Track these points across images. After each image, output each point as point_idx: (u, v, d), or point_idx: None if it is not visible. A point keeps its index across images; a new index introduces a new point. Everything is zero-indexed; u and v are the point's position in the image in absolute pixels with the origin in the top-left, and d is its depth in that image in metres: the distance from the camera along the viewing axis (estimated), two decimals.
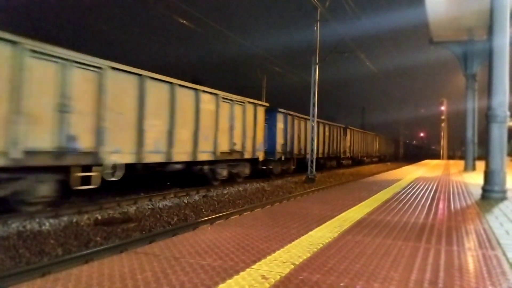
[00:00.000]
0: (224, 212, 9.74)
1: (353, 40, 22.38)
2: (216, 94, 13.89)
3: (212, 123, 13.68)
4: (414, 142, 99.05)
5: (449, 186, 8.88)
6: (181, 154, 12.08)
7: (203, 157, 13.09)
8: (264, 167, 18.05)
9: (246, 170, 16.50)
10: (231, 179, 15.53)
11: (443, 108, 41.69)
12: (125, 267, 2.57)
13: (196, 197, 11.82)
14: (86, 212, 8.81)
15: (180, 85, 12.10)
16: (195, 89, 12.86)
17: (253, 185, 15.61)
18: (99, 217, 8.46)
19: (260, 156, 16.97)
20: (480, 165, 11.22)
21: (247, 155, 15.82)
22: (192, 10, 16.24)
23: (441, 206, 5.68)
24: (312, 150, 19.62)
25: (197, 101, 12.87)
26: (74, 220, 8.07)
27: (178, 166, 12.25)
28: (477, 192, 7.01)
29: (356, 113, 61.58)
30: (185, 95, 12.33)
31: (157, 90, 11.18)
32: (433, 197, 6.66)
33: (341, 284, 2.32)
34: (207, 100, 13.42)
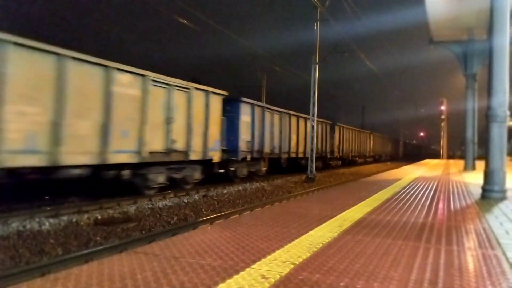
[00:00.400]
0: (224, 211, 9.73)
1: (353, 39, 22.42)
2: (142, 75, 10.46)
3: (136, 114, 10.34)
4: (414, 141, 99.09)
5: (449, 185, 8.88)
6: (79, 154, 8.77)
7: (119, 158, 9.78)
8: (222, 170, 14.78)
9: (196, 174, 13.17)
10: (175, 186, 12.43)
11: (443, 107, 41.73)
12: (125, 266, 2.57)
13: (196, 197, 11.82)
14: (86, 212, 8.80)
15: (75, 59, 8.69)
16: (105, 66, 9.43)
17: (253, 185, 15.60)
18: (99, 217, 8.45)
19: (216, 156, 13.65)
20: (480, 164, 11.23)
21: (194, 156, 12.50)
22: (192, 10, 16.24)
23: (441, 205, 5.68)
24: (312, 150, 19.57)
25: (108, 83, 9.48)
26: (74, 219, 8.06)
27: (76, 171, 8.94)
28: (477, 191, 7.02)
29: (356, 112, 61.57)
30: (85, 74, 8.98)
31: (30, 63, 7.94)
32: (433, 197, 6.66)
33: (341, 283, 2.32)
34: (126, 83, 10.02)
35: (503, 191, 6.36)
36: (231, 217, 8.51)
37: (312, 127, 19.67)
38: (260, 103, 17.89)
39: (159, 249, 3.02)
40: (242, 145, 15.74)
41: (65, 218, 8.12)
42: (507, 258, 2.94)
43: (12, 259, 5.60)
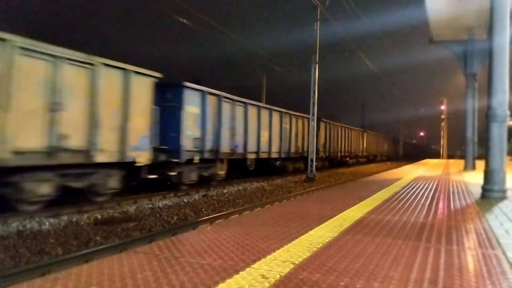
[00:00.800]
0: (224, 211, 9.73)
1: (353, 39, 22.40)
2: (1, 40, 7.22)
3: None
4: (414, 141, 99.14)
5: (449, 185, 8.88)
6: None
7: None
8: (155, 176, 11.22)
9: (111, 182, 9.91)
10: (80, 199, 9.50)
11: (443, 107, 41.78)
12: (125, 266, 2.57)
13: (196, 197, 11.82)
14: (86, 212, 8.79)
15: None
16: None
17: (253, 185, 15.60)
18: (99, 217, 8.45)
19: (142, 158, 10.39)
20: (480, 164, 11.22)
21: (104, 157, 9.32)
22: (192, 9, 16.23)
23: (441, 205, 5.68)
24: (312, 149, 19.56)
25: None
26: (74, 219, 8.06)
27: None
28: (477, 191, 7.02)
29: (357, 112, 61.57)
30: None
31: None
32: (433, 197, 6.66)
33: (341, 283, 2.32)
34: None
35: (503, 190, 6.36)
36: (231, 216, 8.51)
37: (312, 126, 19.63)
38: (215, 91, 14.06)
39: (159, 249, 3.02)
40: (187, 143, 12.48)
41: (65, 217, 8.12)
42: (507, 258, 2.94)
43: (12, 259, 5.60)
